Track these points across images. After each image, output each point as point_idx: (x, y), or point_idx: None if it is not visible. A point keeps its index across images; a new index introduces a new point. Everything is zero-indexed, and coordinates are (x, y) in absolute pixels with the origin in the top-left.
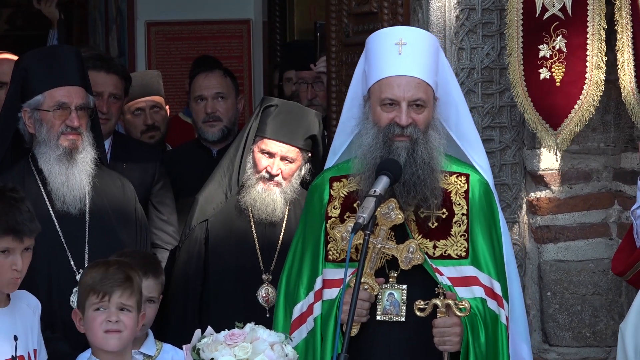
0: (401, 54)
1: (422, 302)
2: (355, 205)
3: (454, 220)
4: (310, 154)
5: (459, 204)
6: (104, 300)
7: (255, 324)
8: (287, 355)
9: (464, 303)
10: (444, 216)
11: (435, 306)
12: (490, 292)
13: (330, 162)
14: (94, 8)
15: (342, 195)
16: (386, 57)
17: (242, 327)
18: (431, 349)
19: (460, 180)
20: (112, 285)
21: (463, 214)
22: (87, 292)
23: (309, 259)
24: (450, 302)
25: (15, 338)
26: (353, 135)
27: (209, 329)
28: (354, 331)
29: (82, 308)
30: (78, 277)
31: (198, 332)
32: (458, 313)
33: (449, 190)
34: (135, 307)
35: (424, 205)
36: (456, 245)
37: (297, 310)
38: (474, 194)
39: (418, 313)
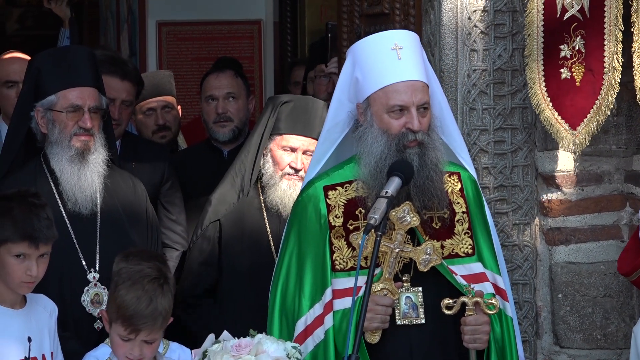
0: (401, 59)
1: (451, 301)
2: (357, 212)
3: (456, 219)
4: None
5: (458, 203)
6: (131, 335)
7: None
8: None
9: (492, 301)
10: (445, 216)
11: (464, 304)
12: (495, 286)
13: (313, 169)
14: (106, 8)
15: (342, 204)
16: (385, 63)
17: (255, 335)
18: (451, 349)
19: (453, 179)
20: (142, 323)
21: (463, 212)
22: (116, 315)
23: (310, 271)
24: (479, 300)
25: (29, 339)
26: (337, 142)
27: (225, 333)
28: (376, 339)
29: (110, 319)
30: (89, 276)
31: (212, 336)
32: (487, 311)
33: (446, 190)
34: (161, 334)
35: (430, 205)
36: (462, 243)
37: (302, 324)
38: (467, 191)
39: (446, 311)
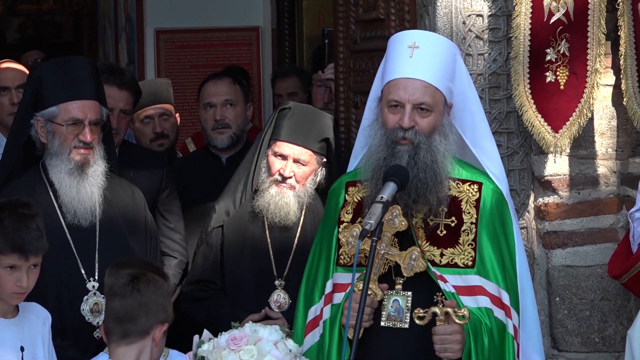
0: (412, 57)
1: (422, 311)
2: (366, 210)
3: (463, 228)
4: (325, 159)
5: (469, 213)
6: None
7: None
8: (290, 351)
9: (462, 311)
10: (452, 224)
11: (434, 314)
12: (497, 301)
13: (351, 165)
14: (104, 16)
15: (356, 200)
16: (398, 59)
17: (238, 327)
18: (435, 356)
19: (472, 189)
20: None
21: (472, 223)
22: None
23: (324, 263)
24: (449, 310)
25: (22, 349)
26: (371, 137)
27: (206, 333)
28: None
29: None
30: (89, 285)
31: (196, 337)
32: (457, 321)
33: (460, 199)
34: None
35: (429, 211)
36: (463, 254)
37: (312, 314)
38: (485, 203)
39: (417, 321)
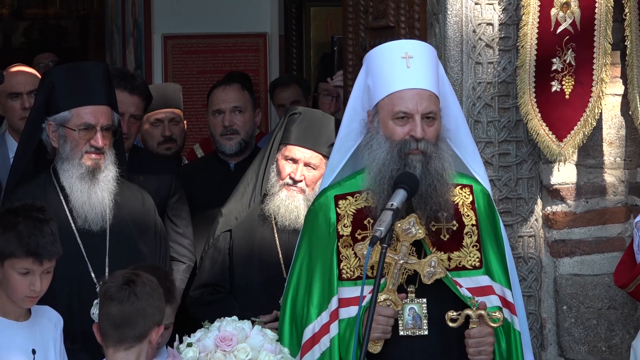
0: (410, 67)
1: (455, 313)
2: (365, 222)
3: (465, 231)
4: None
5: (468, 215)
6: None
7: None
8: (271, 339)
9: (497, 314)
10: (454, 228)
11: (468, 316)
12: (503, 300)
13: (327, 178)
14: (111, 21)
15: (351, 213)
16: (394, 70)
17: (208, 326)
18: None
19: (465, 192)
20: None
21: (473, 225)
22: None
23: (319, 279)
24: (483, 312)
25: (34, 352)
26: (352, 151)
27: (177, 339)
28: (377, 348)
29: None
30: (99, 289)
31: (174, 350)
32: (491, 324)
33: (456, 202)
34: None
35: (439, 217)
36: (469, 256)
37: (309, 332)
38: (479, 204)
39: (450, 324)
